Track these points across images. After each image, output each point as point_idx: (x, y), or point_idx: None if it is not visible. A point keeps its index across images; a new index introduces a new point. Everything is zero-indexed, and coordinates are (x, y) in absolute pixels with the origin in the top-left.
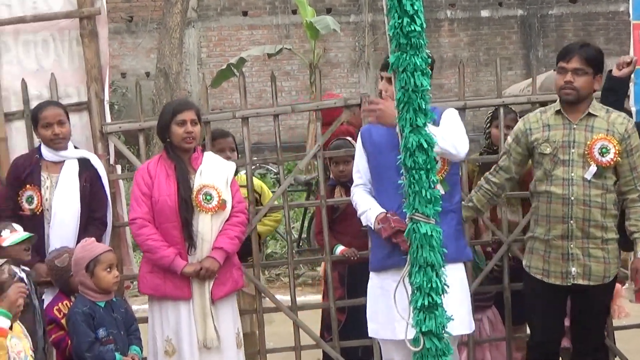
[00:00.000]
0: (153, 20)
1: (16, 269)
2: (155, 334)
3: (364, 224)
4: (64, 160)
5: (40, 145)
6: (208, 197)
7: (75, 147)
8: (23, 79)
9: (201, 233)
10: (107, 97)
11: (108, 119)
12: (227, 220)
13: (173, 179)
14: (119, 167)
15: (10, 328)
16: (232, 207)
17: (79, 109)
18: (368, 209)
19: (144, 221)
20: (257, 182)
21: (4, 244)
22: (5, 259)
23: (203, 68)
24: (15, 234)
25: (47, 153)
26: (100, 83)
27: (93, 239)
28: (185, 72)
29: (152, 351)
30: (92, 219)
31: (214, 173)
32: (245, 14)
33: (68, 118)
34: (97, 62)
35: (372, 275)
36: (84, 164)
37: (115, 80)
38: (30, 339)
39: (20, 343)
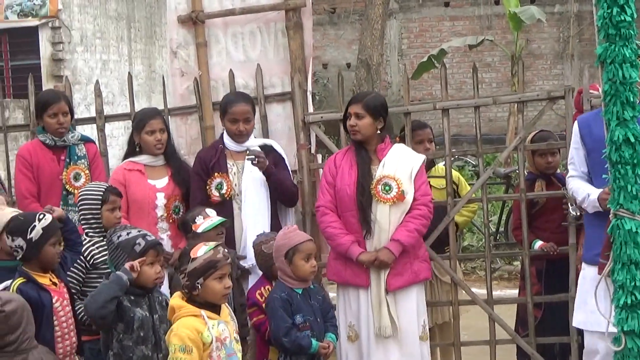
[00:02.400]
0: (355, 11)
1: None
2: (340, 319)
3: (590, 211)
4: (248, 149)
5: (223, 134)
6: (387, 188)
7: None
8: (231, 70)
9: (379, 222)
10: (309, 88)
11: (310, 109)
12: (408, 212)
13: (355, 169)
14: (319, 157)
15: (219, 313)
16: (415, 200)
17: (283, 99)
18: (589, 193)
19: (326, 209)
20: (454, 173)
21: (199, 230)
22: (219, 242)
23: (403, 59)
24: (208, 220)
25: (230, 143)
26: (304, 74)
27: (295, 226)
28: (385, 63)
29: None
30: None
31: (398, 164)
32: (447, 5)
33: (254, 114)
34: (301, 53)
35: (584, 265)
36: (267, 149)
37: (317, 71)
38: (235, 321)
39: (227, 329)
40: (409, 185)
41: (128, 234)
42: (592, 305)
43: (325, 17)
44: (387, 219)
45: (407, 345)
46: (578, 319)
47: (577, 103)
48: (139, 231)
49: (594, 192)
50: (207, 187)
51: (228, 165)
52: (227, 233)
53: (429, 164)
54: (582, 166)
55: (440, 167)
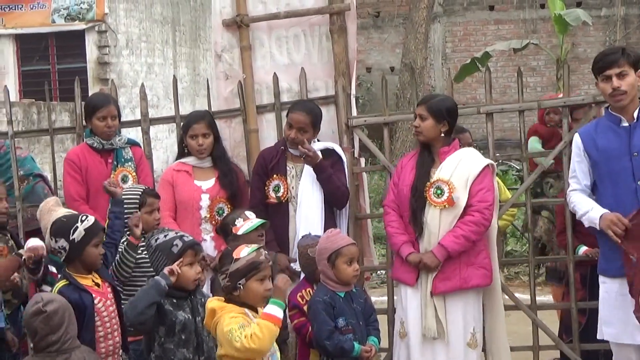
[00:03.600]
0: (399, 15)
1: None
2: (396, 315)
3: (586, 225)
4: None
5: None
6: (439, 192)
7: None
8: (275, 73)
9: (429, 225)
10: (353, 91)
11: (354, 112)
12: (461, 217)
13: (415, 170)
14: (362, 160)
15: (257, 313)
16: (471, 206)
17: (327, 102)
18: (590, 209)
19: (389, 208)
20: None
21: (239, 232)
22: (261, 245)
23: (447, 63)
24: (248, 222)
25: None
26: (348, 77)
27: (338, 229)
28: (429, 67)
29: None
30: None
31: (456, 169)
32: (491, 8)
33: (314, 126)
34: (345, 56)
35: (604, 279)
36: (327, 153)
37: (360, 75)
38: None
39: None
40: (464, 191)
41: (165, 236)
42: (623, 318)
43: (370, 21)
44: (436, 223)
45: (453, 350)
46: (609, 332)
47: (541, 117)
48: (176, 233)
49: (596, 210)
50: (266, 188)
51: (287, 168)
52: (281, 235)
53: None
54: (585, 179)
55: None
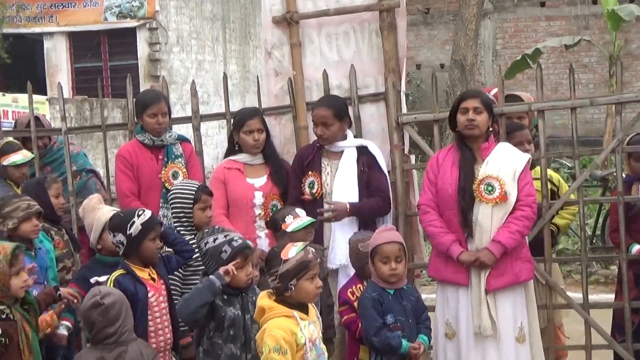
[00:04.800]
0: (449, 12)
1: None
2: (438, 316)
3: None
4: (344, 149)
5: None
6: (489, 188)
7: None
8: (324, 70)
9: (480, 223)
10: (403, 88)
11: (404, 109)
12: (511, 213)
13: (457, 168)
14: (412, 157)
15: (307, 313)
16: (519, 200)
17: (376, 99)
18: None
19: (427, 207)
20: (554, 175)
21: (288, 230)
22: (307, 242)
23: (498, 60)
24: (298, 220)
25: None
26: (397, 74)
27: (392, 226)
28: (479, 64)
29: (434, 332)
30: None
31: (502, 164)
32: (542, 4)
33: (341, 118)
34: (394, 53)
35: None
36: (362, 150)
37: (410, 72)
38: (321, 321)
39: (315, 329)
40: (513, 185)
41: (215, 240)
42: None
43: (419, 18)
44: (489, 220)
45: (504, 347)
46: None
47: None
48: (225, 236)
49: None
50: (301, 185)
51: (322, 165)
52: (315, 232)
53: (531, 165)
54: None
55: (537, 169)
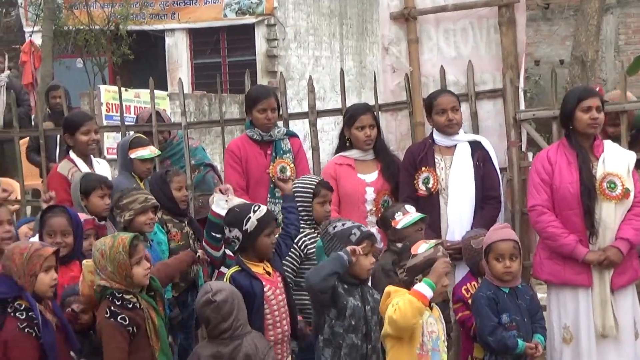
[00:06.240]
0: (570, 7)
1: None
2: (553, 321)
3: None
4: (456, 144)
5: (433, 131)
6: (612, 185)
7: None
8: (442, 66)
9: (604, 221)
10: (521, 85)
11: (522, 106)
12: (630, 210)
13: (575, 167)
14: (530, 155)
15: (431, 308)
16: (634, 197)
17: (494, 95)
18: None
19: (543, 208)
20: None
21: (398, 226)
22: (439, 241)
23: (620, 55)
24: (408, 216)
25: (439, 138)
26: (516, 70)
27: (507, 224)
28: (601, 60)
29: (549, 337)
30: (487, 198)
31: (617, 161)
32: None
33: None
34: (513, 49)
35: None
36: (475, 145)
37: (529, 68)
38: (444, 323)
39: (436, 325)
40: (630, 182)
41: (343, 224)
42: None
43: (539, 13)
44: (612, 218)
45: (624, 346)
46: None
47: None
48: (354, 222)
49: None
50: (415, 182)
51: (436, 160)
52: (432, 228)
53: None
54: None
55: None
